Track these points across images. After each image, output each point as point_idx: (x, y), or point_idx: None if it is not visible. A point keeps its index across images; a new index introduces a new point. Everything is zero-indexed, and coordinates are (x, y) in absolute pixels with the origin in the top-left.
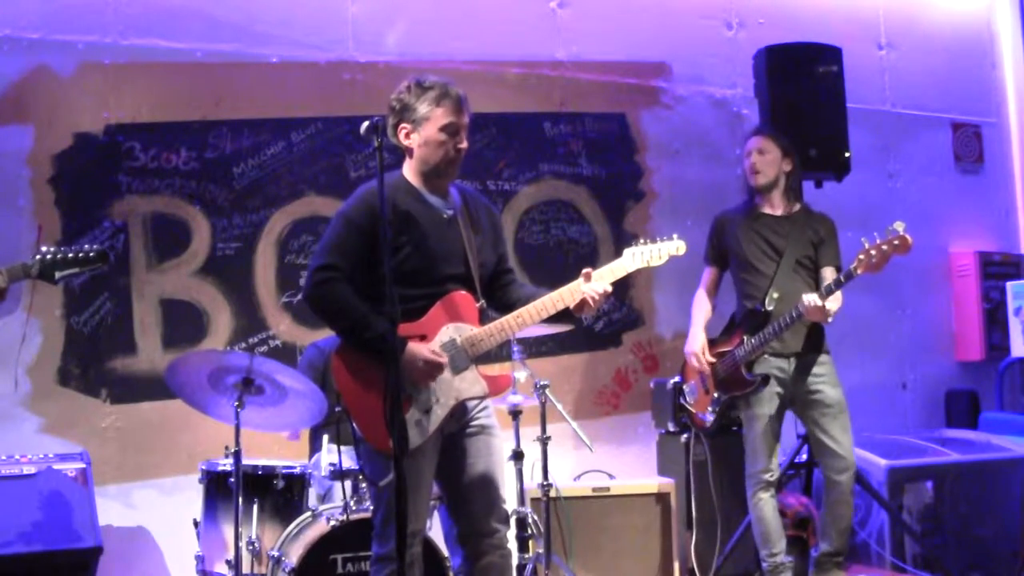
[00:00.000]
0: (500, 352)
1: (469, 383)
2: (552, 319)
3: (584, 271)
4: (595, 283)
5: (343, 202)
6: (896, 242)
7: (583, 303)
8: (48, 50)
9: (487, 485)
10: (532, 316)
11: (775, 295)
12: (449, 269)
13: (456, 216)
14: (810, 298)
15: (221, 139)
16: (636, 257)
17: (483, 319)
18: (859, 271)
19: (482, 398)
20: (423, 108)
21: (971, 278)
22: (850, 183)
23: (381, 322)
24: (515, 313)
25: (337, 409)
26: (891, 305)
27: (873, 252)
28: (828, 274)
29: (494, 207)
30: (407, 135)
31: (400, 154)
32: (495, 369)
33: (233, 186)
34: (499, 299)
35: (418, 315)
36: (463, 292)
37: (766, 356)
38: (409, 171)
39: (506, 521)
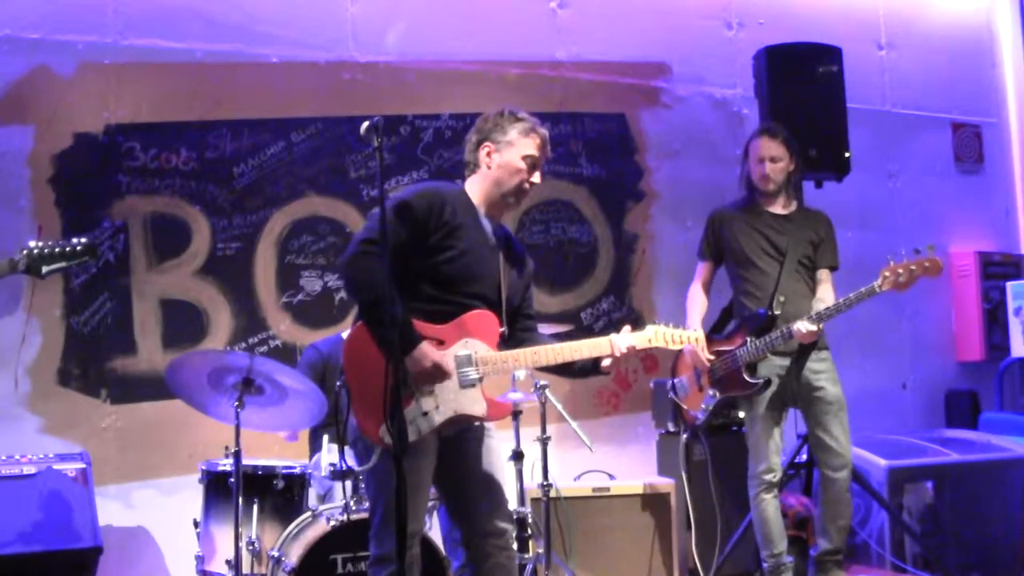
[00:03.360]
0: None
1: (471, 400)
2: (565, 369)
3: (625, 327)
4: (623, 337)
5: (392, 194)
6: (927, 264)
7: (606, 357)
8: (48, 50)
9: (491, 485)
10: (548, 357)
11: (781, 299)
12: (482, 289)
13: (499, 247)
14: (803, 326)
15: (221, 139)
16: (657, 335)
17: (501, 344)
18: (883, 288)
19: (479, 419)
20: (512, 134)
21: (971, 278)
22: (850, 183)
23: (403, 312)
24: (533, 350)
25: (338, 384)
26: (891, 305)
27: (901, 271)
28: (823, 276)
29: (530, 257)
30: (489, 154)
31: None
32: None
33: (233, 186)
34: (517, 341)
35: (443, 319)
36: (490, 313)
37: (767, 355)
38: (474, 189)
39: (512, 520)
